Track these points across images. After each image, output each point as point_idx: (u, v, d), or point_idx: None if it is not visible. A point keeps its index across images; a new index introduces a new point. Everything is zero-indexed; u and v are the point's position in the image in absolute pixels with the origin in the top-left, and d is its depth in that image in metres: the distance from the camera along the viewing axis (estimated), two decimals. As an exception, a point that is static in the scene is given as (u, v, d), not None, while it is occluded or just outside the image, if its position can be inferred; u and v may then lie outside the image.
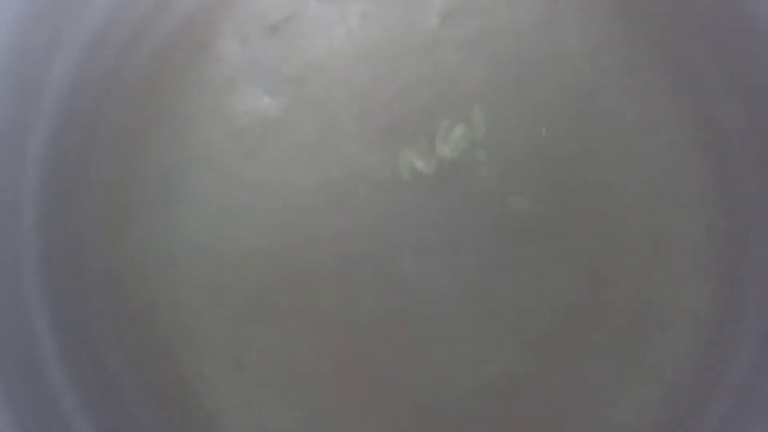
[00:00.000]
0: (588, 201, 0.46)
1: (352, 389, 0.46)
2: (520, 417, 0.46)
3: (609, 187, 0.46)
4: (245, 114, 0.47)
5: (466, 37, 0.48)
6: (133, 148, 0.47)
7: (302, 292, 0.47)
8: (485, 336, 0.46)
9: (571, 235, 0.46)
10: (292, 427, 0.46)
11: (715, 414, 0.45)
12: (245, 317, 0.47)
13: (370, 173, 0.47)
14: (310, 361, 0.46)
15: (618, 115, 0.47)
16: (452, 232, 0.47)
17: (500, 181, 0.46)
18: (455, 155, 0.47)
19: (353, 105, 0.47)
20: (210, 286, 0.47)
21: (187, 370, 0.47)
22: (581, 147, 0.46)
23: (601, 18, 0.48)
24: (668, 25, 0.47)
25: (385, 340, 0.47)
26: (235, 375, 0.47)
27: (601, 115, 0.47)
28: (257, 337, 0.47)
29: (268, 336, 0.47)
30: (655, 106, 0.47)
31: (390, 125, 0.47)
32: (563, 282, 0.46)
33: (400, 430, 0.46)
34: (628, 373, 0.46)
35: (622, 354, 0.46)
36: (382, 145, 0.47)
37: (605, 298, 0.46)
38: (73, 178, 0.45)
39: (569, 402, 0.46)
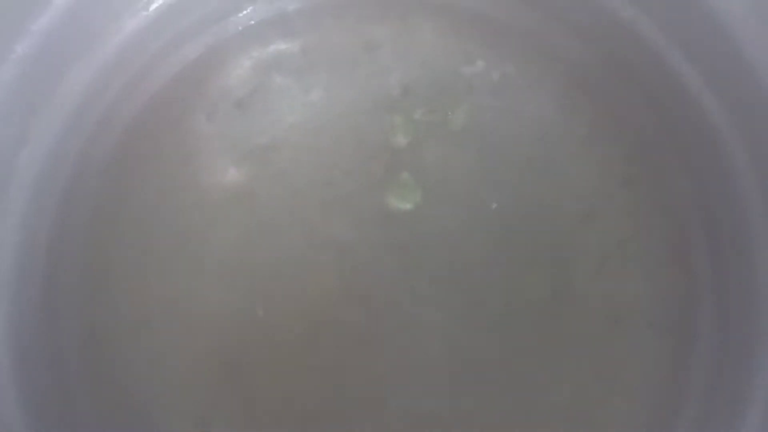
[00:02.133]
0: (542, 271, 0.47)
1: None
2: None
3: (563, 255, 0.48)
4: (213, 185, 0.49)
5: (426, 107, 0.50)
6: (106, 220, 0.49)
7: (268, 355, 0.48)
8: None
9: (526, 309, 0.48)
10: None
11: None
12: (213, 377, 0.48)
13: (335, 241, 0.49)
14: (274, 422, 0.48)
15: (572, 185, 0.49)
16: (416, 290, 0.48)
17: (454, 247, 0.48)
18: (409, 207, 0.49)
19: (317, 176, 0.49)
20: (180, 347, 0.48)
21: (157, 429, 0.48)
22: (534, 217, 0.48)
23: (554, 91, 0.50)
24: (621, 97, 0.49)
25: (354, 400, 0.48)
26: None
27: (555, 184, 0.49)
28: (224, 398, 0.48)
29: (235, 396, 0.48)
30: (609, 174, 0.49)
31: (353, 195, 0.49)
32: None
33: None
34: None
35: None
36: (345, 214, 0.49)
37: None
38: (47, 253, 0.47)
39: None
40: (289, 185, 0.49)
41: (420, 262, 0.48)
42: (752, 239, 0.44)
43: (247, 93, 0.49)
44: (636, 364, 0.47)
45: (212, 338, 0.48)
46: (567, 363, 0.47)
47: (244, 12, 0.49)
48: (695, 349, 0.47)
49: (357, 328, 0.48)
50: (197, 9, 0.47)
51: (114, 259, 0.49)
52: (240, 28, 0.49)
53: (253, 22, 0.49)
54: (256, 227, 0.49)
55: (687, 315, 0.48)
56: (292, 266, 0.49)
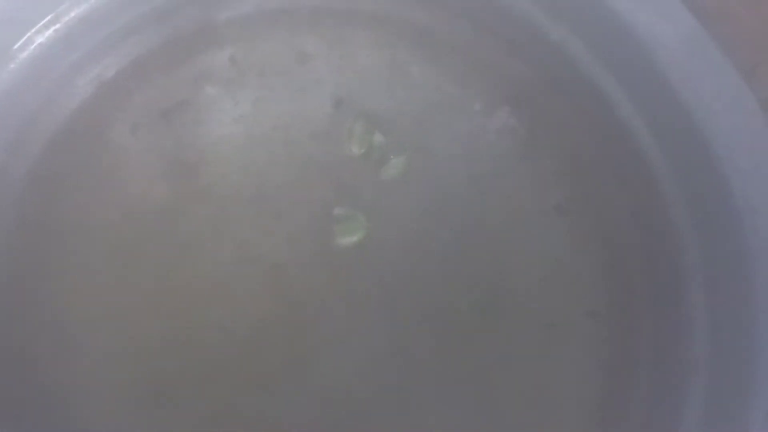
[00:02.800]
0: (482, 290, 0.47)
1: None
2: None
3: (503, 276, 0.47)
4: (138, 200, 0.47)
5: (360, 120, 0.48)
6: (28, 237, 0.47)
7: (197, 376, 0.47)
8: None
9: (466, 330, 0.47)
10: None
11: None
12: (140, 400, 0.47)
13: (265, 258, 0.47)
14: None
15: (509, 204, 0.48)
16: (350, 312, 0.47)
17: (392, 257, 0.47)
18: (353, 240, 0.48)
19: (247, 190, 0.48)
20: (106, 369, 0.47)
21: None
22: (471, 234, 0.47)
23: (489, 105, 0.49)
24: (556, 115, 0.49)
25: (285, 419, 0.47)
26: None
27: (495, 202, 0.48)
28: (152, 422, 0.47)
29: (163, 421, 0.47)
30: (551, 196, 0.48)
31: (284, 211, 0.48)
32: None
33: None
34: None
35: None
36: (276, 230, 0.47)
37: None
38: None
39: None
40: (217, 200, 0.48)
41: (354, 276, 0.47)
42: (685, 261, 0.44)
43: (174, 105, 0.48)
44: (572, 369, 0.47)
45: (140, 359, 0.47)
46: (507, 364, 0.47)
47: (169, 21, 0.47)
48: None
49: (288, 345, 0.47)
50: (115, 20, 0.45)
51: (37, 276, 0.47)
52: (164, 37, 0.47)
53: (179, 31, 0.47)
54: (182, 244, 0.47)
55: (623, 329, 0.48)
56: (220, 284, 0.47)
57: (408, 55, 0.49)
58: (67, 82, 0.46)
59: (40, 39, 0.44)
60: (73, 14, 0.44)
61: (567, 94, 0.47)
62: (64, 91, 0.46)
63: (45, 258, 0.47)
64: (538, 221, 0.48)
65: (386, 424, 0.46)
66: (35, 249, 0.47)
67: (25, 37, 0.43)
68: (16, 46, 0.43)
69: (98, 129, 0.47)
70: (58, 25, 0.44)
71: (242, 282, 0.47)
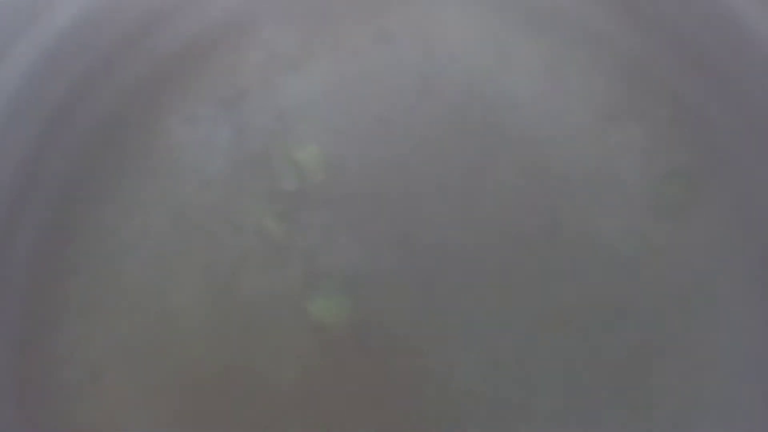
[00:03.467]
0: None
1: None
2: None
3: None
4: (191, 203, 0.40)
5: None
6: (59, 244, 0.40)
7: (247, 412, 0.39)
8: None
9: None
10: None
11: None
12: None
13: (339, 270, 0.40)
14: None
15: (630, 196, 0.40)
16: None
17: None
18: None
19: (320, 192, 0.40)
20: (139, 401, 0.39)
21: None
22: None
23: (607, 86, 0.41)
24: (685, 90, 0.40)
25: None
26: None
27: (609, 196, 0.40)
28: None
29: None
30: (671, 183, 0.40)
31: (366, 217, 0.40)
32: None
33: None
34: None
35: None
36: (356, 239, 0.40)
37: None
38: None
39: None
40: (284, 202, 0.40)
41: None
42: None
43: (235, 93, 0.41)
44: None
45: (184, 390, 0.39)
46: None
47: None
48: None
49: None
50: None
51: (63, 293, 0.40)
52: (227, 15, 0.41)
53: (245, 6, 0.41)
54: (240, 255, 0.40)
55: None
56: (288, 297, 0.40)
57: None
58: (116, 62, 0.40)
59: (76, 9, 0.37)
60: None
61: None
62: (111, 72, 0.40)
63: (75, 269, 0.40)
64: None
65: None
66: (65, 251, 0.40)
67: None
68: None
69: (147, 120, 0.41)
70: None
71: (318, 297, 0.39)
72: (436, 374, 0.39)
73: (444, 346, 0.39)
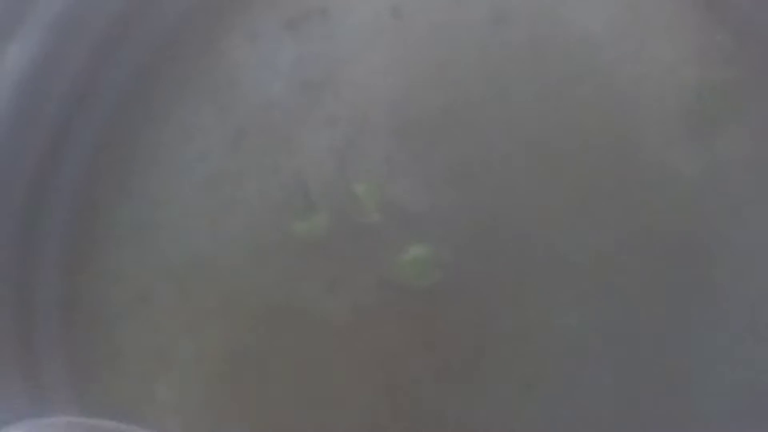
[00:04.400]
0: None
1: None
2: None
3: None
4: (251, 124, 0.39)
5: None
6: (115, 163, 0.39)
7: (293, 350, 0.37)
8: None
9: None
10: None
11: None
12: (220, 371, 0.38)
13: (403, 204, 0.38)
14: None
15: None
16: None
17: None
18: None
19: (380, 123, 0.38)
20: (185, 327, 0.38)
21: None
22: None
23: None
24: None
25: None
26: None
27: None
28: (231, 398, 0.37)
29: (245, 398, 0.37)
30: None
31: (425, 153, 0.38)
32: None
33: None
34: None
35: None
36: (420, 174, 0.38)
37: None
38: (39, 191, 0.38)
39: None
40: (342, 133, 0.39)
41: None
42: None
43: (301, 13, 0.39)
44: None
45: (231, 320, 0.38)
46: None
47: None
48: None
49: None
50: None
51: (117, 213, 0.39)
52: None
53: None
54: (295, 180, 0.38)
55: None
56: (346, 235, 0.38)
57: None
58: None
59: None
60: None
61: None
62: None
63: (125, 193, 0.39)
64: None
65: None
66: (121, 170, 0.39)
67: None
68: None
69: (210, 37, 0.39)
70: None
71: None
72: (500, 316, 0.37)
73: (512, 284, 0.37)
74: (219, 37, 0.39)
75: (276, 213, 0.38)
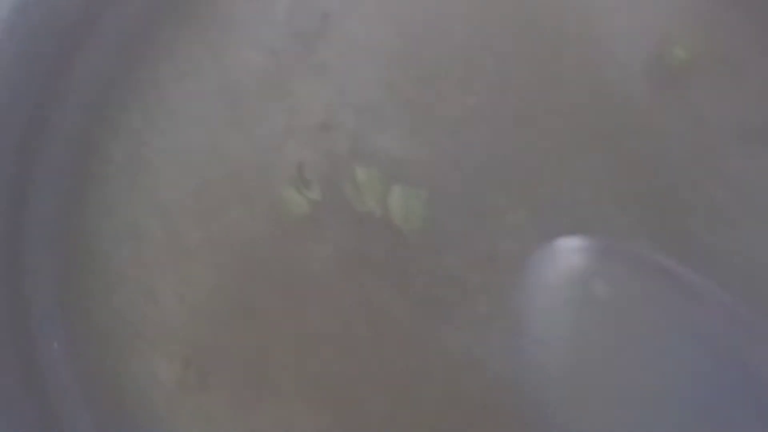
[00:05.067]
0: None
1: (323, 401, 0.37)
2: None
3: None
4: (241, 70, 0.40)
5: None
6: (108, 102, 0.40)
7: (286, 294, 0.38)
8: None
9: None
10: None
11: None
12: (215, 311, 0.39)
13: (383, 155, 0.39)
14: (287, 379, 0.38)
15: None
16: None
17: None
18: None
19: (369, 69, 0.39)
20: (174, 263, 0.39)
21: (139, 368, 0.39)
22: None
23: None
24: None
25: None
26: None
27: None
28: (224, 339, 0.38)
29: (238, 340, 0.38)
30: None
31: (419, 105, 0.39)
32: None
33: None
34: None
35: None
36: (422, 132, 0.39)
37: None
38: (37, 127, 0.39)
39: None
40: (333, 82, 0.39)
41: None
42: None
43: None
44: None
45: (219, 261, 0.39)
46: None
47: None
48: None
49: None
50: None
51: (109, 150, 0.40)
52: None
53: None
54: (285, 126, 0.39)
55: None
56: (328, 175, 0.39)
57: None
58: None
59: None
60: None
61: None
62: None
63: (123, 121, 0.40)
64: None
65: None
66: (114, 108, 0.40)
67: None
68: None
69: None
70: None
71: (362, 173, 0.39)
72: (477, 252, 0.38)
73: (489, 233, 0.38)
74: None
75: (263, 156, 0.39)
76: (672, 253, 0.37)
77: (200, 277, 0.39)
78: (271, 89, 0.40)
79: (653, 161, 0.38)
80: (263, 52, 0.40)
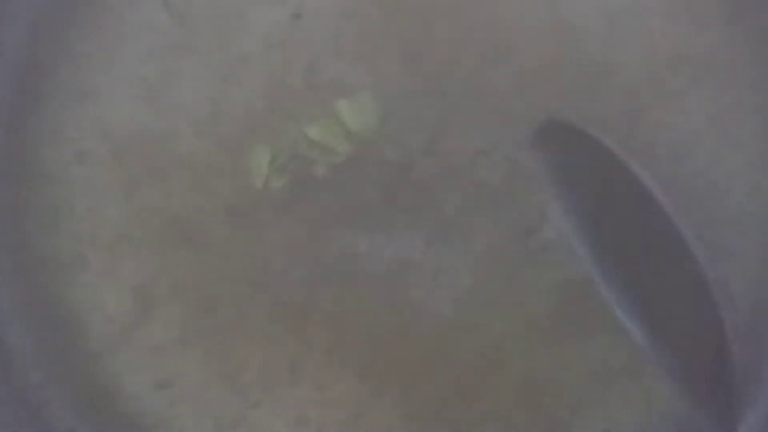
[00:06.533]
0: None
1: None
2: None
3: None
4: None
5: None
6: (57, 26, 0.39)
7: (240, 217, 0.37)
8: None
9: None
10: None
11: None
12: (159, 237, 0.37)
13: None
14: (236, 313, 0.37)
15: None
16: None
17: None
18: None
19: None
20: (120, 192, 0.38)
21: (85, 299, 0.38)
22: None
23: None
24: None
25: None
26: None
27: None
28: (171, 265, 0.37)
29: (184, 267, 0.37)
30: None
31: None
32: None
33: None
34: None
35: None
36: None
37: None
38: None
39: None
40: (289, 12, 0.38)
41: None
42: None
43: None
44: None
45: (167, 188, 0.38)
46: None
47: None
48: None
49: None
50: None
51: (57, 76, 0.38)
52: None
53: None
54: (243, 54, 0.38)
55: None
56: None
57: None
58: None
59: None
60: None
61: None
62: None
63: (73, 46, 0.38)
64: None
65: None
66: (63, 33, 0.39)
67: None
68: None
69: None
70: None
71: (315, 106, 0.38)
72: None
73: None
74: None
75: (215, 87, 0.38)
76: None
77: (148, 206, 0.38)
78: (226, 20, 0.39)
79: (619, 98, 0.37)
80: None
